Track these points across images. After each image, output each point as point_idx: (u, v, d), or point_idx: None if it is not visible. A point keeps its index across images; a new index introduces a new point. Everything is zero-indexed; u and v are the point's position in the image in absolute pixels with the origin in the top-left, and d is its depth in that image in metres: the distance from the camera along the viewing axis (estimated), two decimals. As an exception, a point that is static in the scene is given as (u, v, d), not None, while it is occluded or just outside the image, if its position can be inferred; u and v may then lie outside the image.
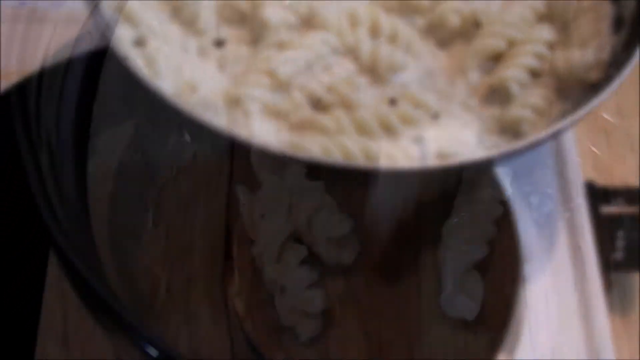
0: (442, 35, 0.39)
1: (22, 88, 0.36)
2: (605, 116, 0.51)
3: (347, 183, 0.47)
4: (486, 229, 0.44)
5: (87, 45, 0.41)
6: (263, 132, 0.36)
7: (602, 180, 0.49)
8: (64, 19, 0.47)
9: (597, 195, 0.48)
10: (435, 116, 0.37)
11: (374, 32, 0.39)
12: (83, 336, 0.44)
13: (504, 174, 0.46)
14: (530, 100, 0.37)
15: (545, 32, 0.39)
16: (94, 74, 0.42)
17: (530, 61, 0.38)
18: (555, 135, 0.36)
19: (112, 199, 0.43)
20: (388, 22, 0.39)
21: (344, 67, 0.38)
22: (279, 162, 0.47)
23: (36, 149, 0.35)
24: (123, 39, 0.37)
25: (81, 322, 0.44)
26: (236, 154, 0.48)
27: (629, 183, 0.49)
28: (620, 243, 0.46)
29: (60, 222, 0.33)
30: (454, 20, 0.39)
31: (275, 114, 0.37)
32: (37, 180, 0.34)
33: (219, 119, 0.35)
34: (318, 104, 0.37)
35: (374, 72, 0.38)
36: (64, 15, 0.48)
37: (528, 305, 0.43)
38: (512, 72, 0.38)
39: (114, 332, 0.31)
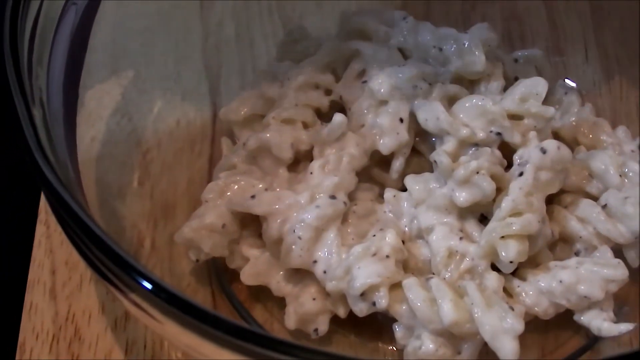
0: None
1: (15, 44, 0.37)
2: None
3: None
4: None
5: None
6: None
7: None
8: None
9: None
10: None
11: None
12: (70, 290, 0.46)
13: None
14: None
15: None
16: (81, 40, 0.44)
17: None
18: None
19: (100, 160, 0.45)
20: None
21: None
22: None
23: (29, 105, 0.37)
24: None
25: (68, 276, 0.46)
26: (218, 120, 0.50)
27: None
28: None
29: (53, 167, 0.35)
30: None
31: None
32: (33, 134, 0.36)
33: None
34: None
35: None
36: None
37: None
38: None
39: (107, 270, 0.33)
